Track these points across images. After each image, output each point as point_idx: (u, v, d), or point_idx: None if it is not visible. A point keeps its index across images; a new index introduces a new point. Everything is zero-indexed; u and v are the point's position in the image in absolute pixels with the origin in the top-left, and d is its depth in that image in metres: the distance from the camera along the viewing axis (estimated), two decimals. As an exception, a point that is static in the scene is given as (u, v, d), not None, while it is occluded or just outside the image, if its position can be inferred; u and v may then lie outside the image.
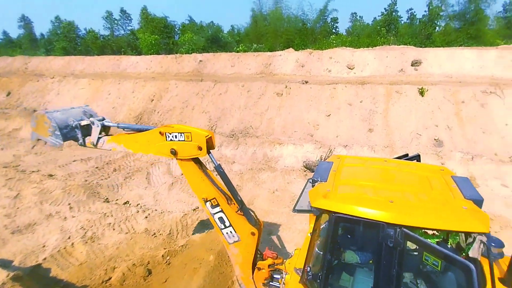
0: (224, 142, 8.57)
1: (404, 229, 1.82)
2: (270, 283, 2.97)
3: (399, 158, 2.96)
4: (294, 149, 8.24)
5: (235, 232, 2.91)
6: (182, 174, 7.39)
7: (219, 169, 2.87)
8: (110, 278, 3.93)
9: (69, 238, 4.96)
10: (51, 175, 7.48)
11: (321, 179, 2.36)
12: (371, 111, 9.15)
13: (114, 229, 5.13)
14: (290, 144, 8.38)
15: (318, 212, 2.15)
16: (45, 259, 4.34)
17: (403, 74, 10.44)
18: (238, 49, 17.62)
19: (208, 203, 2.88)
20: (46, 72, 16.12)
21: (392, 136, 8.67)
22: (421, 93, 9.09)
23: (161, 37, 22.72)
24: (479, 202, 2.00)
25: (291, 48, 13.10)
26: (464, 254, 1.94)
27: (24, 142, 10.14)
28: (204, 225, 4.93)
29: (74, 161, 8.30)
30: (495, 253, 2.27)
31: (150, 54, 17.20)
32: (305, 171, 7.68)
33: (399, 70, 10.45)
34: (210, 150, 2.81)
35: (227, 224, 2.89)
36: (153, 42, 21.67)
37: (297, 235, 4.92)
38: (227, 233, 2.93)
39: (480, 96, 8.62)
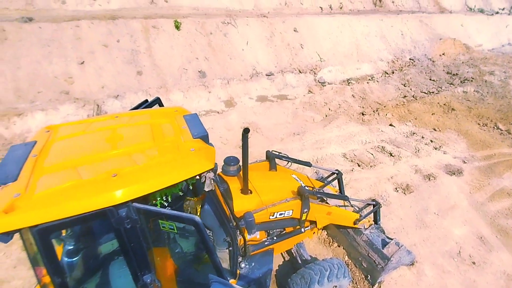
0: None
1: (134, 204, 1.62)
2: None
3: (138, 106, 2.67)
4: (45, 116, 6.19)
5: None
6: None
7: None
8: None
9: None
10: None
11: (6, 180, 1.57)
12: (134, 51, 8.31)
13: None
14: (37, 111, 6.19)
15: (8, 238, 1.44)
16: None
17: (155, 7, 9.93)
18: None
19: None
20: None
21: (163, 76, 8.54)
22: (177, 27, 9.18)
23: None
24: (205, 137, 2.13)
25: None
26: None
27: None
28: None
29: None
30: (234, 170, 2.74)
31: None
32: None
33: (150, 2, 9.79)
34: None
35: None
36: None
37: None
38: None
39: (222, 27, 9.97)
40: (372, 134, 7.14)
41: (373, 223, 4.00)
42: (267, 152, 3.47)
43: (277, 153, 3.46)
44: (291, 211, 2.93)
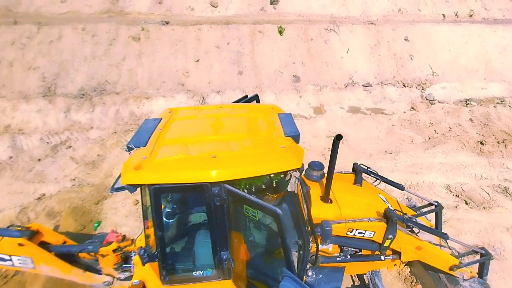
0: (73, 105, 6.85)
1: (226, 185, 1.81)
2: (124, 265, 2.74)
3: (239, 100, 2.94)
4: (165, 102, 7.51)
5: (18, 256, 2.54)
6: (10, 157, 5.58)
7: None
8: None
9: None
10: None
11: (139, 144, 2.02)
12: (239, 53, 9.15)
13: None
14: (160, 97, 7.57)
15: (133, 189, 1.85)
16: None
17: (264, 13, 10.66)
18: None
19: None
20: None
21: (260, 77, 9.11)
22: (280, 32, 9.63)
23: None
24: (296, 137, 2.20)
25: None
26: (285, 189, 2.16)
27: None
28: (52, 215, 4.00)
29: None
30: (317, 176, 2.69)
31: None
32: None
33: (260, 9, 10.56)
34: None
35: (6, 257, 2.53)
36: None
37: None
38: (19, 263, 2.56)
39: (323, 33, 9.90)
40: (492, 170, 5.77)
41: (476, 275, 3.24)
42: (355, 164, 3.27)
43: (366, 168, 3.22)
44: (373, 233, 2.68)
